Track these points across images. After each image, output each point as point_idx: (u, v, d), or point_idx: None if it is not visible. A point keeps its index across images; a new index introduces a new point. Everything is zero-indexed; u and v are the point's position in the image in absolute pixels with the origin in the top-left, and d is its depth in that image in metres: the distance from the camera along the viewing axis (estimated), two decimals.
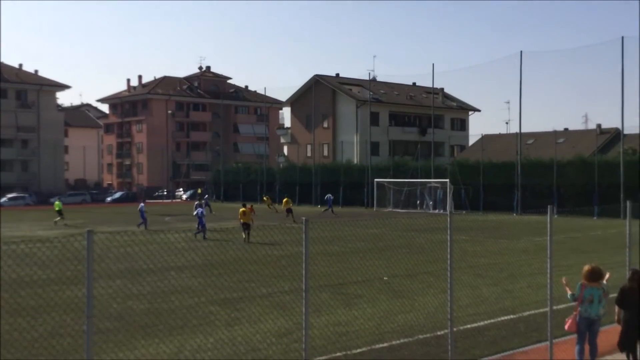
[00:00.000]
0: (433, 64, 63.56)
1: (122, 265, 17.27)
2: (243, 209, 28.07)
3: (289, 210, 40.82)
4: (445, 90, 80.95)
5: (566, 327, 8.78)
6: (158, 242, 23.05)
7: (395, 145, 71.39)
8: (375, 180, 53.27)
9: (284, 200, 43.09)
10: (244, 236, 26.37)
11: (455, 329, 8.74)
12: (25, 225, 37.27)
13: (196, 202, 33.69)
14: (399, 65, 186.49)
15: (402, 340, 10.17)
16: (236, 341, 9.98)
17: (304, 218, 7.26)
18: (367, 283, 15.32)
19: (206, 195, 47.23)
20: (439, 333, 10.39)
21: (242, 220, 27.13)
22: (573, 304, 8.75)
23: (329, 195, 48.05)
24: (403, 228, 29.23)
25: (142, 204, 34.38)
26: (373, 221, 31.80)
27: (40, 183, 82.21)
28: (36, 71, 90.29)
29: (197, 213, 28.71)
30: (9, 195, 70.46)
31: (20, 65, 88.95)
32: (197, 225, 28.01)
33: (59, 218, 37.78)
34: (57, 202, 39.98)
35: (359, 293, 14.15)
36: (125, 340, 10.04)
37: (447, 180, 48.31)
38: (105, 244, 17.53)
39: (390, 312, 12.11)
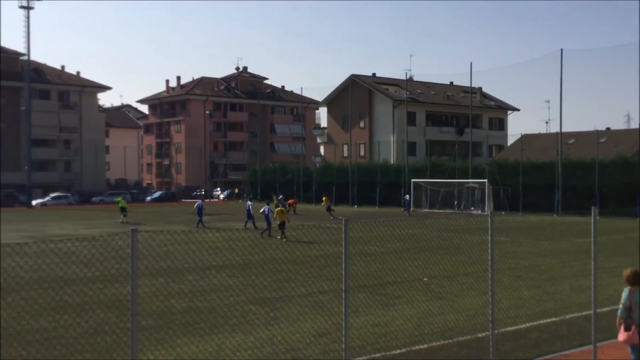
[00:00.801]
0: (471, 63, 63.59)
1: (164, 263, 17.52)
2: (278, 208, 28.47)
3: (329, 209, 41.29)
4: (484, 90, 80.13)
5: (623, 338, 7.93)
6: (198, 241, 23.32)
7: (432, 145, 70.88)
8: (412, 180, 52.99)
9: (323, 198, 43.38)
10: (278, 236, 26.62)
11: (496, 331, 8.66)
12: (69, 224, 38.06)
13: (266, 202, 34.47)
14: (436, 64, 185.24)
15: (441, 342, 10.11)
16: (275, 340, 10.06)
17: (343, 218, 7.28)
18: (406, 284, 15.27)
19: (281, 196, 47.40)
20: (479, 335, 10.31)
21: (278, 219, 27.42)
22: (617, 307, 8.57)
23: (406, 197, 48.10)
24: (441, 229, 29.03)
25: (200, 202, 34.96)
26: (410, 222, 31.65)
27: (82, 183, 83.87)
28: (78, 73, 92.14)
29: (264, 211, 29.33)
30: (52, 195, 72.03)
31: (63, 67, 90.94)
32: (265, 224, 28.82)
33: (123, 216, 38.41)
34: (120, 199, 40.42)
35: (398, 294, 14.11)
36: (168, 338, 10.20)
37: (486, 180, 47.80)
38: (148, 243, 17.86)
39: (430, 313, 12.05)
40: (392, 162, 64.29)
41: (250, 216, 32.33)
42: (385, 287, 14.97)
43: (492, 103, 79.83)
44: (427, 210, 50.06)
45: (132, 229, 5.79)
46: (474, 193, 49.10)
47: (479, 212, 46.23)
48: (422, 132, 70.74)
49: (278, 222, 27.62)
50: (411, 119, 67.33)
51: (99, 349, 9.56)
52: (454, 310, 12.21)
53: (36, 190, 70.17)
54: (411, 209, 47.15)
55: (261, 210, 30.32)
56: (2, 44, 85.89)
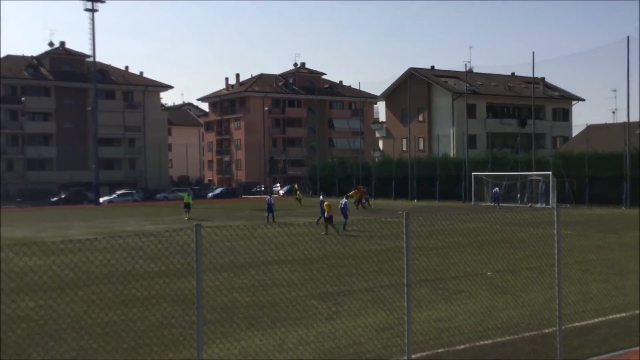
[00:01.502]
0: (533, 53, 61.58)
1: (227, 258, 17.80)
2: (327, 202, 28.91)
3: (358, 202, 40.97)
4: (547, 80, 78.16)
5: None
6: (260, 237, 23.61)
7: (493, 138, 69.71)
8: (473, 173, 52.19)
9: (355, 190, 43.37)
10: (324, 232, 26.81)
11: (563, 327, 8.46)
12: (134, 220, 39.10)
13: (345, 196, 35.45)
14: (497, 55, 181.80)
15: (506, 338, 9.93)
16: (337, 334, 10.09)
17: (404, 212, 7.24)
18: (468, 278, 15.07)
19: (366, 191, 47.86)
20: (545, 331, 10.09)
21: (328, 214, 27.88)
22: None
23: (495, 189, 47.56)
24: (503, 222, 28.50)
25: (270, 198, 35.43)
26: (471, 215, 31.20)
27: (147, 180, 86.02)
28: (141, 73, 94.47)
29: (342, 204, 29.90)
30: (118, 192, 74.11)
31: (127, 67, 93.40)
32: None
33: (186, 212, 38.97)
34: (185, 195, 41.08)
35: (460, 288, 13.95)
36: (232, 331, 10.37)
37: (550, 172, 46.66)
38: (211, 238, 18.17)
39: (493, 308, 11.86)
40: (452, 155, 63.45)
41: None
42: (447, 281, 14.81)
43: (556, 93, 77.80)
44: (488, 203, 49.21)
45: (196, 224, 5.93)
46: (538, 186, 47.98)
47: (543, 205, 45.14)
48: (483, 124, 69.55)
49: (327, 216, 27.79)
50: (471, 111, 66.28)
51: (166, 342, 9.81)
52: (519, 306, 11.98)
53: (103, 188, 72.36)
54: (500, 203, 46.06)
55: (340, 205, 30.46)
56: (69, 46, 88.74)
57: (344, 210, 29.47)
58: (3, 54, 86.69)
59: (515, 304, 12.15)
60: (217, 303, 12.52)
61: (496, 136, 70.08)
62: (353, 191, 47.51)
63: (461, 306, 12.07)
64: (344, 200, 30.63)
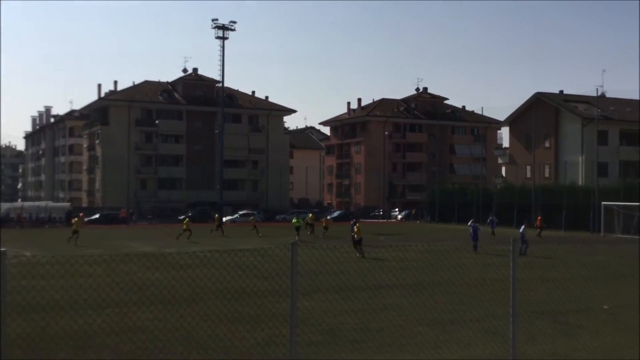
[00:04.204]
0: None
1: (340, 280, 17.81)
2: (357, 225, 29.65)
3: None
4: None
5: None
6: (373, 259, 23.51)
7: (626, 166, 65.60)
8: (603, 203, 49.24)
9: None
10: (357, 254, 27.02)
11: None
12: (253, 240, 40.11)
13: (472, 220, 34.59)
14: (632, 79, 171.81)
15: None
16: None
17: (512, 238, 6.88)
18: (590, 312, 14.12)
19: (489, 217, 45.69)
20: None
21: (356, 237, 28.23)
22: None
23: (491, 217, 44.62)
24: (633, 255, 26.59)
25: (474, 224, 32.28)
26: (599, 247, 29.39)
27: (268, 201, 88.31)
28: (266, 97, 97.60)
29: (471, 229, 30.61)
30: (241, 212, 76.48)
31: (253, 92, 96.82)
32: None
33: (297, 234, 39.42)
34: (295, 219, 41.98)
35: (580, 323, 13.07)
36: (335, 353, 10.28)
37: None
38: (324, 259, 18.25)
39: (616, 345, 11.01)
40: (580, 183, 60.31)
41: None
42: (567, 315, 13.95)
43: None
44: (619, 235, 46.21)
45: (292, 242, 5.92)
46: None
47: None
48: (615, 151, 65.73)
49: (356, 239, 28.04)
50: (603, 138, 62.85)
51: None
52: None
53: (226, 208, 74.98)
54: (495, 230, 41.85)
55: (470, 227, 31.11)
56: (201, 72, 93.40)
57: (476, 234, 30.09)
58: (141, 80, 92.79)
59: None
60: (324, 325, 12.47)
61: (630, 164, 65.92)
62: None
63: (580, 342, 11.30)
64: (473, 224, 30.91)
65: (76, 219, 39.27)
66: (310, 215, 48.64)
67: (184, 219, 38.89)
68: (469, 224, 33.11)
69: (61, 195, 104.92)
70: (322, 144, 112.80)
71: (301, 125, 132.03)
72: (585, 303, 15.18)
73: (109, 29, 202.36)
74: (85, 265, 19.76)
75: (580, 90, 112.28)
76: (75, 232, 35.85)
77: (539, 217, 45.43)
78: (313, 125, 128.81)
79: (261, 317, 13.02)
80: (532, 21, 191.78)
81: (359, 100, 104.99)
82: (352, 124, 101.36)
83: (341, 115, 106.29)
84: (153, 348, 10.47)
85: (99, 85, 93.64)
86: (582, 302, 15.28)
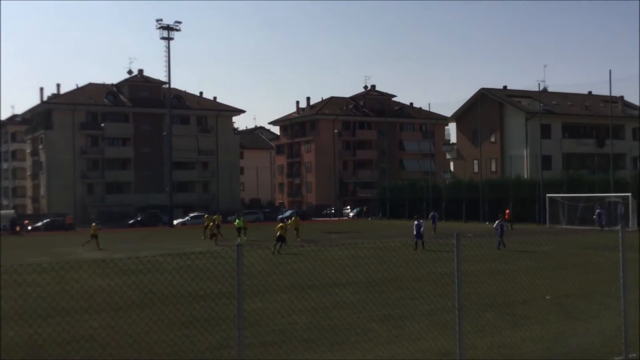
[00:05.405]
0: (610, 71, 59.57)
1: (292, 279, 17.85)
2: (282, 224, 31.08)
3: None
4: (626, 98, 75.37)
5: None
6: (327, 259, 23.59)
7: (569, 159, 67.58)
8: (548, 195, 50.60)
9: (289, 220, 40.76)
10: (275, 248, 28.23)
11: (632, 355, 7.99)
12: (205, 242, 39.77)
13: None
14: (573, 74, 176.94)
15: None
16: (396, 359, 9.87)
17: (455, 232, 7.04)
18: (536, 303, 14.53)
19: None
20: (615, 359, 9.57)
21: (278, 233, 29.80)
22: None
23: (599, 210, 45.37)
24: (577, 245, 27.44)
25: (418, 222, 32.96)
26: (544, 238, 30.20)
27: (219, 203, 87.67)
28: (215, 98, 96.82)
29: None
30: (192, 214, 75.72)
31: (201, 93, 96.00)
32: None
33: (242, 235, 39.25)
34: (237, 220, 41.63)
35: (527, 314, 13.44)
36: (290, 353, 10.32)
37: (630, 194, 44.70)
38: (277, 259, 18.22)
39: (562, 334, 11.36)
40: (525, 177, 61.81)
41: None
42: (514, 306, 14.32)
43: (636, 112, 74.84)
44: (564, 226, 47.56)
45: (237, 244, 5.94)
46: (616, 208, 46.01)
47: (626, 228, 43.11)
48: (558, 144, 67.61)
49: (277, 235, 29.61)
50: (546, 131, 64.57)
51: None
52: (589, 332, 11.43)
53: (177, 210, 74.14)
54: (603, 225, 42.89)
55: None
56: (146, 74, 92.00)
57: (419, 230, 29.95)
58: (85, 82, 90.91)
59: (585, 331, 11.59)
60: (277, 325, 12.50)
61: (572, 157, 67.91)
62: None
63: (527, 332, 11.62)
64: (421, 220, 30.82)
65: (93, 224, 39.77)
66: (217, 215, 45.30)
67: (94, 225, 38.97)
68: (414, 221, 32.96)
69: (5, 202, 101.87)
70: (272, 144, 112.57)
71: (251, 125, 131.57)
72: (531, 293, 15.59)
73: (49, 30, 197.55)
74: (33, 273, 19.28)
75: (523, 86, 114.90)
76: (94, 236, 36.75)
77: (507, 210, 46.37)
78: (262, 125, 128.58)
79: (214, 320, 12.95)
80: (475, 18, 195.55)
81: (308, 99, 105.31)
82: (302, 123, 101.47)
83: (290, 114, 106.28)
84: (105, 356, 10.33)
85: (41, 89, 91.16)
86: (528, 293, 15.70)
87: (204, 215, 53.01)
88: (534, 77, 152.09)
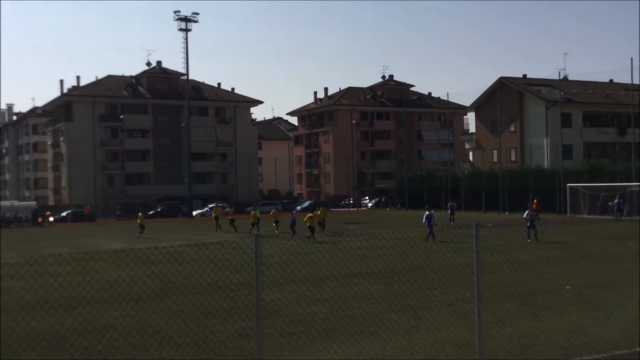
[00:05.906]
0: (632, 58, 58.53)
1: (310, 270, 17.90)
2: (310, 214, 32.49)
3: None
4: None
5: None
6: (346, 249, 23.64)
7: (590, 148, 66.81)
8: (568, 185, 50.12)
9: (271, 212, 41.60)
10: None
11: None
12: (223, 233, 39.96)
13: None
14: (594, 62, 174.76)
15: (594, 356, 9.40)
16: (414, 349, 9.86)
17: (474, 222, 6.99)
18: (556, 293, 14.42)
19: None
20: (637, 349, 9.49)
21: (308, 224, 31.21)
22: None
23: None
24: (599, 236, 27.18)
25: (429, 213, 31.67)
26: (565, 228, 29.96)
27: (237, 193, 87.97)
28: (233, 89, 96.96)
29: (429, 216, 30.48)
30: (210, 205, 76.04)
31: (219, 84, 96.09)
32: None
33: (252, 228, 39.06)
34: (254, 211, 41.61)
35: (547, 304, 13.35)
36: (309, 343, 10.35)
37: None
38: (296, 250, 18.26)
39: (582, 325, 11.27)
40: (545, 166, 61.25)
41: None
42: (534, 296, 14.23)
43: None
44: (585, 216, 47.13)
45: (256, 235, 5.94)
46: (639, 197, 45.47)
47: None
48: (579, 133, 66.86)
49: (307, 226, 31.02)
50: (566, 120, 63.84)
51: (244, 353, 9.90)
52: (611, 323, 11.33)
53: (196, 202, 74.52)
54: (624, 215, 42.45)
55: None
56: (165, 66, 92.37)
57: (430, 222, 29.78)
58: (104, 74, 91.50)
59: (606, 321, 11.49)
60: (295, 315, 12.54)
61: (593, 146, 67.15)
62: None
63: (547, 322, 11.55)
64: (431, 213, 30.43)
65: (140, 214, 39.34)
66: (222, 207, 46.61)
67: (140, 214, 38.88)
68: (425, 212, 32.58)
69: (27, 194, 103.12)
70: (290, 134, 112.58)
71: (269, 116, 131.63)
72: (551, 283, 15.49)
73: (69, 24, 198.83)
74: (55, 264, 19.52)
75: (543, 74, 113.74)
76: (142, 226, 37.72)
77: (535, 200, 46.01)
78: (280, 115, 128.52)
79: (233, 310, 13.03)
80: (494, 6, 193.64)
81: (326, 89, 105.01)
82: (320, 114, 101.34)
83: (308, 105, 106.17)
84: (125, 346, 10.43)
85: (61, 81, 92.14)
86: (548, 283, 15.59)
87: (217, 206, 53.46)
88: (554, 65, 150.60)
